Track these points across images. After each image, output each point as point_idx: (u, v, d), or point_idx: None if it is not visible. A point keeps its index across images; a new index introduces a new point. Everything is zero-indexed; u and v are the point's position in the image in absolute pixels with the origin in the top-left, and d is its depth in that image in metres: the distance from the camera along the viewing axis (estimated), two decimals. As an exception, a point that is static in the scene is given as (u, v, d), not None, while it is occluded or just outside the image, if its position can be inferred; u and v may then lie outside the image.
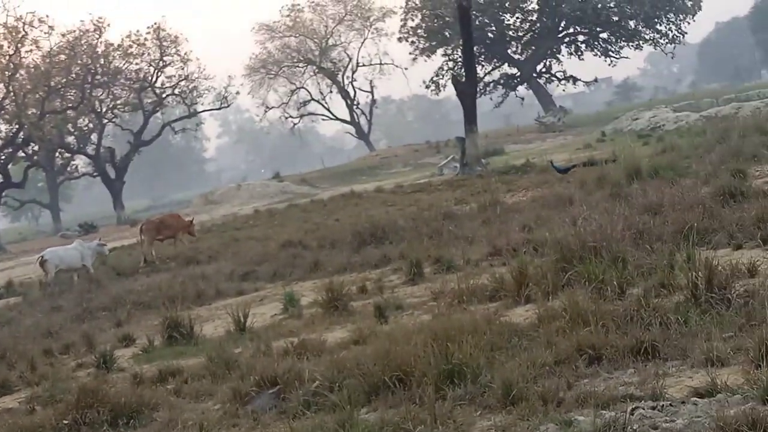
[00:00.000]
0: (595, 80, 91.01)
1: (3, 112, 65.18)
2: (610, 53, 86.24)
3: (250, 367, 9.84)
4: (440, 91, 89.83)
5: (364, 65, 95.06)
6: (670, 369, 7.54)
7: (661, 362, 7.70)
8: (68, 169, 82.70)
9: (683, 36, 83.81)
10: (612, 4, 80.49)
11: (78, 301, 20.55)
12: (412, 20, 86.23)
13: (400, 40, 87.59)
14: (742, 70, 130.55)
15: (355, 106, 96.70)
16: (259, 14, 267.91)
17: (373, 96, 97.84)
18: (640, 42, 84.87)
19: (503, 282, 11.65)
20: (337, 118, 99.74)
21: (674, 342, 8.00)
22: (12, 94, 64.58)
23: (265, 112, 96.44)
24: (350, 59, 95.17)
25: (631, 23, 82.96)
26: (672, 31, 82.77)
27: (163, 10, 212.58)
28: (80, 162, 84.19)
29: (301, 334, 11.72)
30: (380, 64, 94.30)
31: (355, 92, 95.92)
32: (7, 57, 63.72)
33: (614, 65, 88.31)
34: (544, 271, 11.15)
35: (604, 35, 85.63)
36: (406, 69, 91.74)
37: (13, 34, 63.71)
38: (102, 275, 25.23)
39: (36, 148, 71.74)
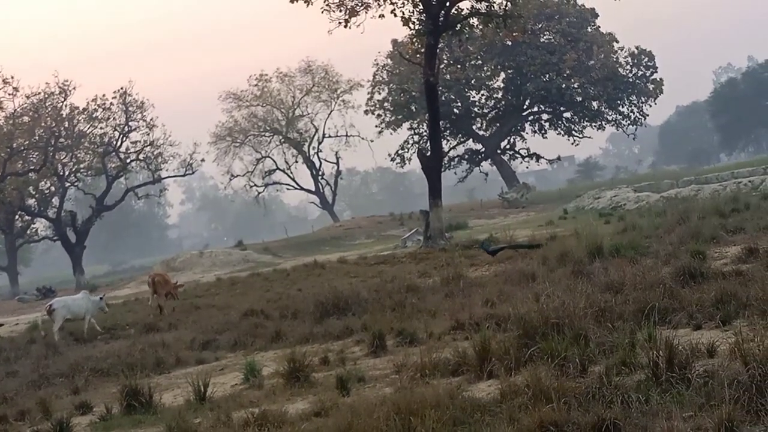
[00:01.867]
0: (558, 158, 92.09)
1: (-36, 172, 64.76)
2: (573, 132, 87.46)
3: (210, 437, 9.74)
4: (405, 164, 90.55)
5: (330, 136, 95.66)
6: (631, 447, 7.58)
7: (623, 440, 7.74)
8: (28, 232, 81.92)
9: (645, 118, 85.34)
10: (576, 85, 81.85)
11: (34, 366, 20.17)
12: (379, 93, 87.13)
13: (366, 112, 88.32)
14: (701, 153, 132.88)
15: (320, 177, 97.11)
16: (226, 82, 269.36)
17: (338, 167, 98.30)
18: (603, 122, 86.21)
19: (466, 356, 11.66)
20: (302, 188, 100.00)
21: (635, 420, 8.04)
22: (-27, 155, 64.28)
23: (230, 180, 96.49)
24: (316, 130, 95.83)
25: (594, 104, 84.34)
26: (634, 113, 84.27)
27: (130, 74, 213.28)
28: (40, 225, 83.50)
29: (262, 404, 11.61)
30: (346, 135, 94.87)
31: (320, 163, 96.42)
32: (-29, 117, 63.52)
33: (577, 144, 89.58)
34: (506, 346, 11.18)
35: (567, 114, 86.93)
36: (371, 141, 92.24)
37: (-23, 95, 63.62)
38: (59, 341, 24.87)
39: (-5, 210, 71.15)
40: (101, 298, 27.79)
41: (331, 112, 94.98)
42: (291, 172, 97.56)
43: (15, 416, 14.52)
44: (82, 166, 76.67)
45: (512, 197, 73.88)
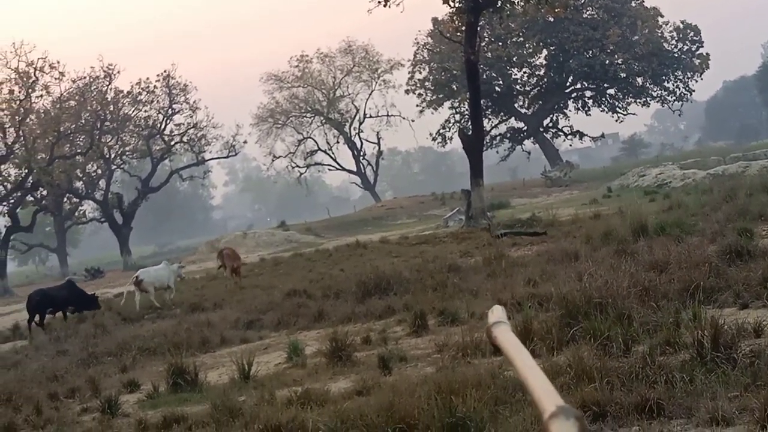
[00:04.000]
0: (602, 136, 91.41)
1: (13, 156, 65.44)
2: (617, 109, 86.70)
3: (254, 415, 9.82)
4: (446, 143, 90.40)
5: (371, 117, 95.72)
6: (675, 427, 7.52)
7: (666, 420, 7.68)
8: (76, 214, 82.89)
9: (690, 94, 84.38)
10: (620, 61, 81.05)
11: (83, 345, 20.51)
12: (420, 73, 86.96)
13: (407, 92, 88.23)
14: (749, 129, 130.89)
15: (361, 157, 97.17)
16: (268, 65, 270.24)
17: (379, 147, 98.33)
18: (648, 99, 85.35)
19: (508, 336, 11.60)
20: (344, 169, 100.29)
21: (679, 400, 7.98)
22: (22, 138, 64.93)
23: (272, 161, 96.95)
24: (357, 111, 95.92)
25: (639, 80, 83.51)
26: (679, 89, 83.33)
27: (173, 58, 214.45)
28: (88, 207, 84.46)
29: (304, 383, 11.70)
30: (387, 115, 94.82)
31: (361, 143, 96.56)
32: (18, 102, 64.12)
33: (621, 121, 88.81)
34: (549, 326, 11.14)
35: (611, 91, 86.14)
36: (412, 121, 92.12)
37: (25, 79, 64.15)
38: (107, 320, 25.23)
39: (45, 192, 71.92)
40: (180, 266, 29.47)
41: (371, 92, 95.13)
42: (332, 153, 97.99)
43: (65, 394, 14.77)
44: (127, 148, 77.60)
45: (555, 176, 73.45)
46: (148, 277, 27.42)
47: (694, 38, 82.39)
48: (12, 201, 66.74)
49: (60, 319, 27.71)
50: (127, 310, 26.77)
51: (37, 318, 26.74)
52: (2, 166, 65.81)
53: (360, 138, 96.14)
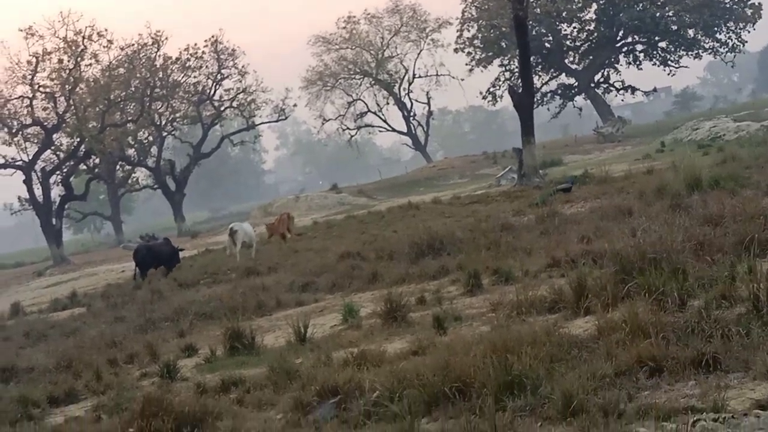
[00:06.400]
0: (654, 90, 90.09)
1: (64, 125, 66.28)
2: (669, 62, 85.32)
3: (311, 377, 9.92)
4: (497, 101, 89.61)
5: (420, 77, 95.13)
6: (732, 381, 7.50)
7: (723, 374, 7.65)
8: (129, 181, 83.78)
9: (743, 45, 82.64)
10: (671, 14, 79.69)
11: (140, 311, 20.84)
12: (468, 31, 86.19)
13: (456, 51, 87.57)
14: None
15: (411, 118, 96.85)
16: (315, 27, 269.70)
17: (429, 107, 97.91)
18: (700, 51, 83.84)
19: (562, 293, 11.60)
20: (394, 130, 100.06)
21: (736, 354, 7.93)
22: (73, 107, 65.68)
23: (323, 124, 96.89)
24: (406, 71, 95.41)
25: (690, 32, 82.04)
26: (732, 40, 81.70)
27: (220, 23, 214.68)
28: (141, 174, 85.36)
29: (360, 344, 11.77)
30: (436, 75, 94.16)
31: (411, 104, 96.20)
32: (68, 71, 64.79)
33: (673, 75, 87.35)
34: (603, 282, 11.08)
35: (662, 44, 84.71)
36: (462, 80, 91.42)
37: (73, 48, 64.74)
38: (163, 286, 25.59)
39: (97, 161, 72.89)
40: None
41: (420, 51, 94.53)
42: (382, 114, 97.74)
43: (124, 359, 15.08)
44: (177, 115, 78.12)
45: (607, 132, 72.66)
46: (240, 229, 29.51)
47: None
48: (65, 170, 67.71)
49: (116, 285, 28.26)
50: (182, 278, 27.11)
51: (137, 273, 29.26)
52: (54, 136, 66.70)
53: (410, 98, 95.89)
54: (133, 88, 71.76)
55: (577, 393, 7.35)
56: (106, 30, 66.30)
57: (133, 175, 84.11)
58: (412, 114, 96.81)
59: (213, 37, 76.00)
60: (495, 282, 15.24)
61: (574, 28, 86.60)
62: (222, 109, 79.18)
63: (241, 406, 10.05)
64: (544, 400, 7.59)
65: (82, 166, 72.11)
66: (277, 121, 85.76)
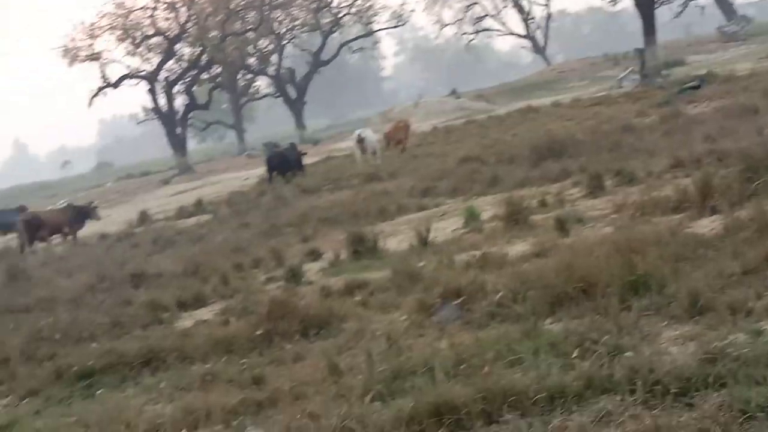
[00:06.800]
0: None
1: (186, 35, 67.25)
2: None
3: (433, 279, 9.98)
4: (617, 2, 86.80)
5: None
6: None
7: None
8: (250, 90, 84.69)
9: None
10: None
11: (264, 217, 21.25)
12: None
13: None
14: None
15: (530, 21, 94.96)
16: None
17: (548, 9, 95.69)
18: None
19: (686, 194, 11.38)
20: (513, 33, 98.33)
21: None
22: (194, 17, 66.51)
23: (441, 29, 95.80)
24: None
25: None
26: None
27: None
28: (262, 83, 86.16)
29: (482, 247, 11.80)
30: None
31: (530, 6, 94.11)
32: (188, -20, 65.54)
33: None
34: (729, 181, 10.84)
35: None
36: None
37: (192, -43, 65.36)
38: (287, 192, 26.01)
39: (219, 70, 73.86)
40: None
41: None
42: (501, 18, 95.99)
43: (250, 264, 15.38)
44: (296, 23, 78.24)
45: (731, 30, 69.84)
46: (368, 136, 30.00)
47: None
48: (188, 79, 68.91)
49: (240, 193, 28.91)
50: (306, 184, 27.48)
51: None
52: (177, 46, 67.80)
53: (528, 1, 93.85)
54: (252, -4, 72.09)
55: (703, 292, 7.26)
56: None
57: (255, 83, 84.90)
58: (530, 17, 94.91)
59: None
60: (617, 183, 14.99)
61: None
62: (340, 16, 79.00)
63: (365, 308, 10.14)
64: (669, 299, 7.50)
65: (205, 76, 73.18)
66: (395, 27, 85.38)
